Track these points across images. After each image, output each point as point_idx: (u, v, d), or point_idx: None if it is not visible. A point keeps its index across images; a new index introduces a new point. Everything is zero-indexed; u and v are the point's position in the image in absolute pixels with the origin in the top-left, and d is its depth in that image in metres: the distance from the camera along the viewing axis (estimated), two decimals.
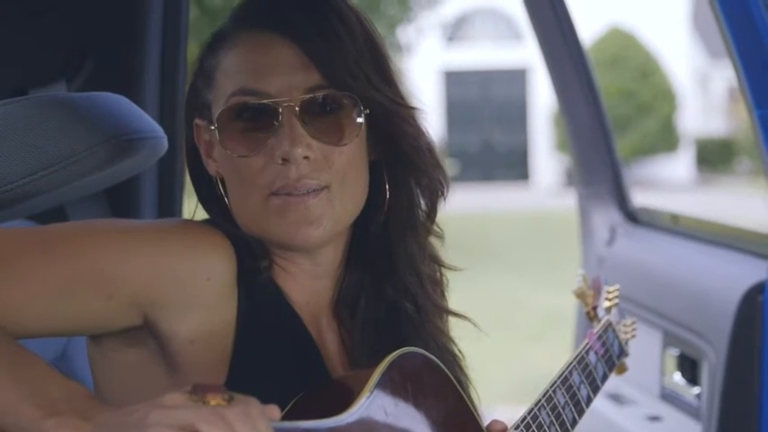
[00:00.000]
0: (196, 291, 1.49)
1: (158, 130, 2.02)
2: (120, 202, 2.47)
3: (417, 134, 1.64)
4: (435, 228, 1.72)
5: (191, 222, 1.59)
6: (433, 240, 1.74)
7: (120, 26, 2.58)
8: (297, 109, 1.53)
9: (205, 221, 1.62)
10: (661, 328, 3.01)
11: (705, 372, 2.72)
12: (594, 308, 2.14)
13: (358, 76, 1.56)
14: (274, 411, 1.22)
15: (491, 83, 28.38)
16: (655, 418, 3.00)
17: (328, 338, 1.64)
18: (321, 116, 1.55)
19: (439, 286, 1.75)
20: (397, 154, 1.63)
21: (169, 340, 1.49)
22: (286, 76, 1.54)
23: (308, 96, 1.54)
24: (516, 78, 27.93)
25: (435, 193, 1.68)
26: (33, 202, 1.81)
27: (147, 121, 1.99)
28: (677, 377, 2.92)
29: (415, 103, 1.65)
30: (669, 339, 2.96)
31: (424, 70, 25.26)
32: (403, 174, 1.65)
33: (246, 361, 1.51)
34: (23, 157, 1.73)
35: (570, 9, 3.32)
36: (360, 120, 1.57)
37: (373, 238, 1.67)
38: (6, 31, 2.49)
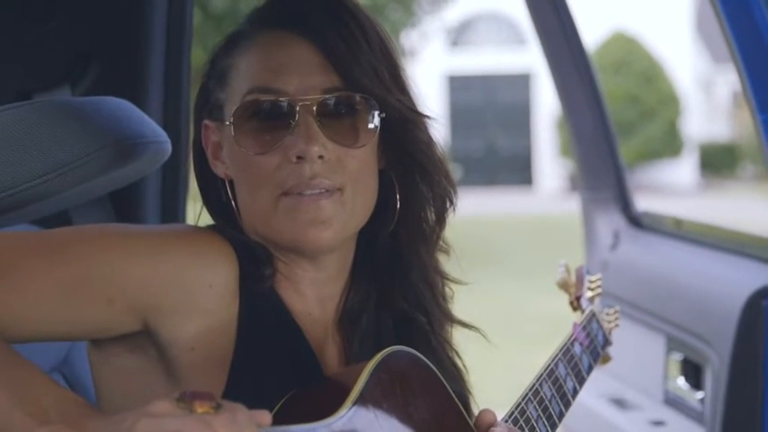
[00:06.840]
0: (197, 298, 1.49)
1: (162, 134, 2.02)
2: (123, 206, 2.47)
3: (430, 142, 1.64)
4: (441, 242, 1.71)
5: (194, 228, 1.58)
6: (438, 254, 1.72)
7: (125, 31, 2.59)
8: (314, 109, 1.53)
9: (209, 227, 1.61)
10: (664, 332, 3.00)
11: (709, 376, 2.72)
12: (578, 298, 2.13)
13: (375, 79, 1.56)
14: (264, 417, 1.21)
15: (495, 87, 28.37)
16: (658, 423, 3.00)
17: (329, 349, 1.62)
18: (337, 117, 1.55)
19: (445, 298, 1.74)
20: (409, 162, 1.63)
21: (169, 346, 1.49)
22: (304, 76, 1.54)
23: (326, 97, 1.54)
24: (520, 83, 27.93)
25: (445, 204, 1.67)
26: (37, 206, 1.81)
27: (151, 126, 2.00)
28: (681, 382, 2.92)
29: (427, 111, 1.65)
30: (673, 344, 2.96)
31: (427, 75, 25.23)
32: (415, 183, 1.64)
33: (245, 368, 1.50)
34: (27, 162, 1.73)
35: (574, 14, 3.33)
36: (375, 123, 1.57)
37: (382, 249, 1.66)
38: (11, 36, 2.49)
